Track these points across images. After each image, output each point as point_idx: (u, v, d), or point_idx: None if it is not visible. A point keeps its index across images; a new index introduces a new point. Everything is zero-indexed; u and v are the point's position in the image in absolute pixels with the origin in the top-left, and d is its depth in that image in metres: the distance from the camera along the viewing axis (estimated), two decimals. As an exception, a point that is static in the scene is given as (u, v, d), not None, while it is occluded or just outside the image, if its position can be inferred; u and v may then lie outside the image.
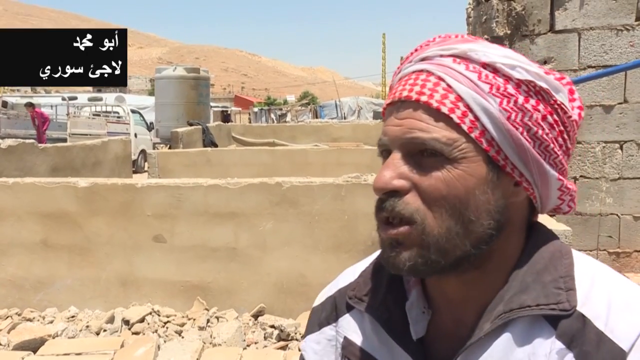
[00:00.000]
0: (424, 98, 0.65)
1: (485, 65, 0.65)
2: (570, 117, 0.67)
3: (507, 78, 0.65)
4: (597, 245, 4.94)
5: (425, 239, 0.65)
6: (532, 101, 0.65)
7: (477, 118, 0.64)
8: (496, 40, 4.91)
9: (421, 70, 0.68)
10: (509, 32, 4.88)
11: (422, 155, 0.65)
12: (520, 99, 0.64)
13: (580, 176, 4.94)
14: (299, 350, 0.90)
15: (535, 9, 4.87)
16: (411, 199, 0.65)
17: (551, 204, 0.72)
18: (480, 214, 0.65)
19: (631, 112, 4.82)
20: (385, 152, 0.70)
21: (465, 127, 0.64)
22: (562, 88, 0.67)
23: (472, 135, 0.64)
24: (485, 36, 4.94)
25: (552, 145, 0.66)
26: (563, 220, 4.72)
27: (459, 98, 0.64)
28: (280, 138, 10.38)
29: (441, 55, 0.67)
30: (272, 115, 30.87)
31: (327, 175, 4.12)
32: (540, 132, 0.65)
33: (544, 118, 0.65)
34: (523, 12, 4.86)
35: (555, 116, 0.66)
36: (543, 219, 3.11)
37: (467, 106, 0.64)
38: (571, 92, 0.68)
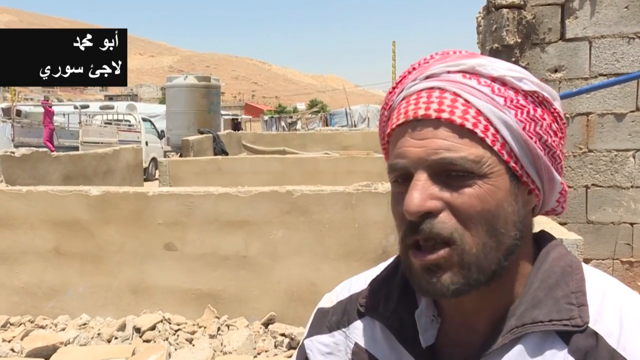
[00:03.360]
0: (445, 115, 0.64)
1: (494, 79, 0.66)
2: (565, 123, 0.71)
3: (516, 90, 0.67)
4: (609, 254, 4.89)
5: (465, 258, 0.64)
6: (539, 111, 0.67)
7: (497, 131, 0.65)
8: (506, 48, 4.90)
9: (432, 88, 0.67)
10: (519, 40, 4.87)
11: (449, 174, 0.64)
12: (531, 110, 0.67)
13: (592, 184, 4.90)
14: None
15: (545, 17, 4.86)
16: (446, 217, 0.64)
17: (549, 206, 0.75)
18: (508, 226, 0.66)
19: (643, 120, 4.78)
20: (401, 177, 0.67)
21: (489, 141, 0.65)
22: (557, 97, 0.70)
23: (495, 148, 0.65)
24: (496, 45, 4.93)
25: (557, 151, 0.69)
26: (575, 229, 4.69)
27: (479, 112, 0.65)
28: (290, 146, 10.40)
29: (449, 72, 0.67)
30: (283, 123, 30.97)
31: (338, 183, 4.12)
32: (549, 139, 0.68)
33: (549, 126, 0.68)
34: (533, 21, 4.85)
35: (556, 124, 0.69)
36: (558, 228, 3.09)
37: (488, 120, 0.65)
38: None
